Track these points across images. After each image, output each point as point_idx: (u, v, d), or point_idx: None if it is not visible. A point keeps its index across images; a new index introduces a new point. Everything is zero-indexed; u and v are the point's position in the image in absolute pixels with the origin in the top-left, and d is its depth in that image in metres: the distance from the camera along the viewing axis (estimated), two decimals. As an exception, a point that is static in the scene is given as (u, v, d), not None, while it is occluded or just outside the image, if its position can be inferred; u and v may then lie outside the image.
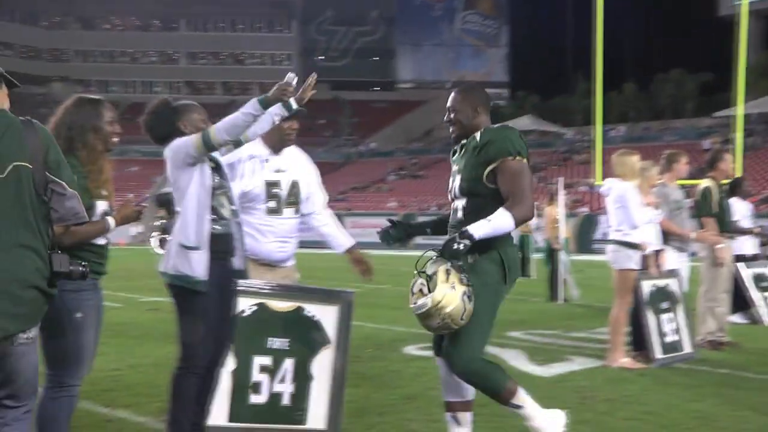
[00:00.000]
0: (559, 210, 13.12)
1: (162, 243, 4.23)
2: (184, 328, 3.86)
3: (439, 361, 3.99)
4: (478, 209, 3.86)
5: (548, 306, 12.13)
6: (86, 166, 3.47)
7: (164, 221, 4.59)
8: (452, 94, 4.06)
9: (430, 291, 3.63)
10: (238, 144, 4.06)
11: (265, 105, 3.73)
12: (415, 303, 3.71)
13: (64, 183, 2.88)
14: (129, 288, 13.42)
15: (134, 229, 34.18)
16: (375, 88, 70.19)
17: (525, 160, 3.87)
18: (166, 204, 4.06)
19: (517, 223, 3.75)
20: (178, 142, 3.87)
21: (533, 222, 13.62)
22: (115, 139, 3.65)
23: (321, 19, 69.44)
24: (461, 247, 3.63)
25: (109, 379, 6.06)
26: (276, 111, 3.86)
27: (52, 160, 2.85)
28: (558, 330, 9.09)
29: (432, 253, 3.77)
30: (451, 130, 4.08)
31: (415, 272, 3.73)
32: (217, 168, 4.01)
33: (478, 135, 3.94)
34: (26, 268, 2.76)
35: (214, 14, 67.40)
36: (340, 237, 4.72)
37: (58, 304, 3.25)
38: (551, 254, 13.00)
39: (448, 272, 3.63)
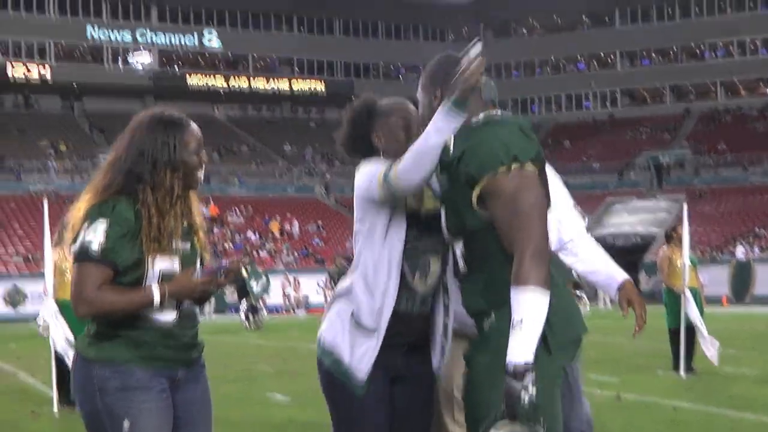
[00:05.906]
0: (683, 246, 12.35)
1: (253, 315, 4.05)
2: None
3: None
4: (482, 255, 3.43)
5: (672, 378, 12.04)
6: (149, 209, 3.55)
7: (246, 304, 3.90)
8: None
9: None
10: None
11: (460, 104, 3.30)
12: None
13: None
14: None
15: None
16: None
17: (530, 167, 3.33)
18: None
19: (546, 284, 3.15)
20: (366, 168, 3.78)
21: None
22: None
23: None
24: (526, 398, 3.06)
25: None
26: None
27: None
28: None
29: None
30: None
31: None
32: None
33: (450, 141, 3.44)
34: None
35: (660, -2, 67.65)
36: None
37: (98, 408, 3.47)
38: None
39: None
